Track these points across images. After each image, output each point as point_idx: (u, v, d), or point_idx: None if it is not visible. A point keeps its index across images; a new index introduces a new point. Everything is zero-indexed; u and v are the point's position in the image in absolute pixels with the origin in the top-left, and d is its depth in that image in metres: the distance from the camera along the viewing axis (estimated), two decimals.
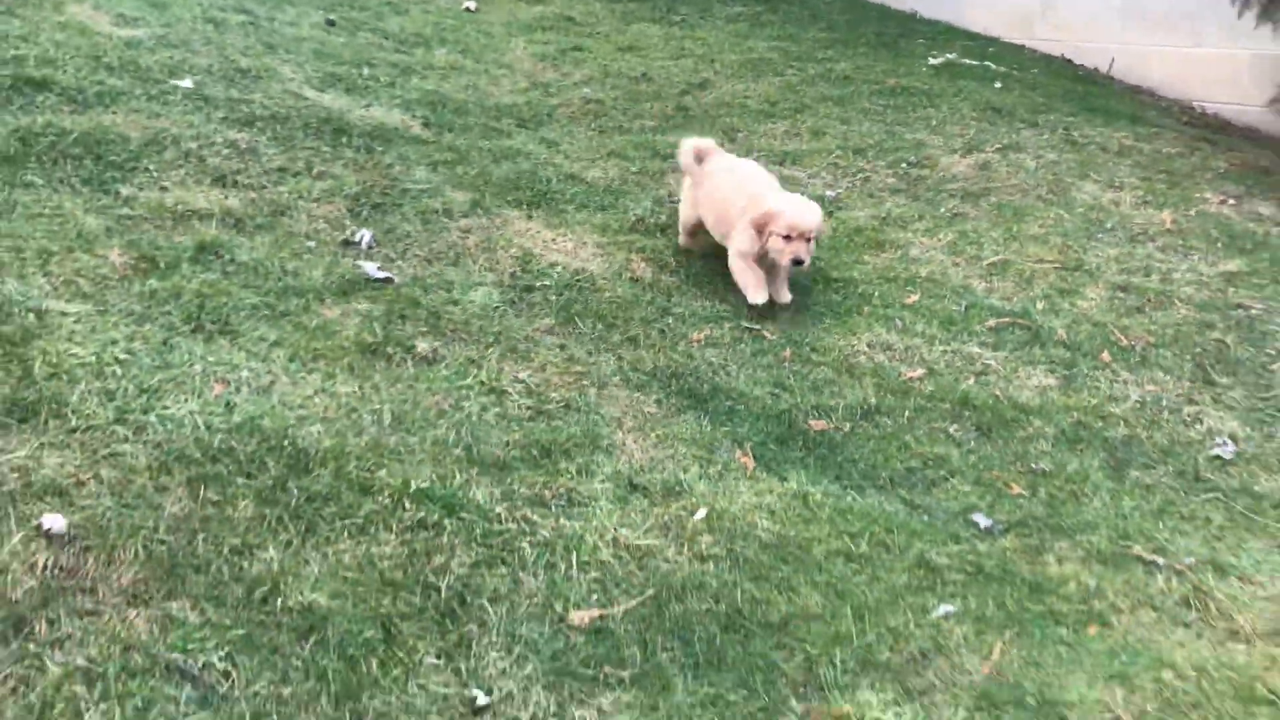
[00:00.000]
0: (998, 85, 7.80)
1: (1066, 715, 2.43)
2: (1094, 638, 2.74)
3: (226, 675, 2.18)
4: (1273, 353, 4.35)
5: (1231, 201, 5.86)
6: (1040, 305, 4.65)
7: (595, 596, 2.63)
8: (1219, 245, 5.26)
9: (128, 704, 2.07)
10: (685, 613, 2.63)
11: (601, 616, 2.57)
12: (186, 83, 5.40)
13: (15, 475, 2.53)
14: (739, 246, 4.53)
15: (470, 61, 7.26)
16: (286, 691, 2.18)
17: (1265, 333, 4.47)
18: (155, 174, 4.50)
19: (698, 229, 4.82)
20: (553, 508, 2.92)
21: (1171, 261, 5.07)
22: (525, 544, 2.75)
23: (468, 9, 8.70)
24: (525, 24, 8.50)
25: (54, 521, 2.40)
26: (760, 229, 4.42)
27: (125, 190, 4.31)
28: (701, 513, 3.00)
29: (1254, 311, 4.63)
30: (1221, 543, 3.23)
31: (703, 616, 2.62)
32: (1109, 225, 5.42)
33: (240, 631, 2.29)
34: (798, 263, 4.39)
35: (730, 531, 2.96)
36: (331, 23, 7.25)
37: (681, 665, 2.47)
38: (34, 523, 2.40)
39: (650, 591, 2.67)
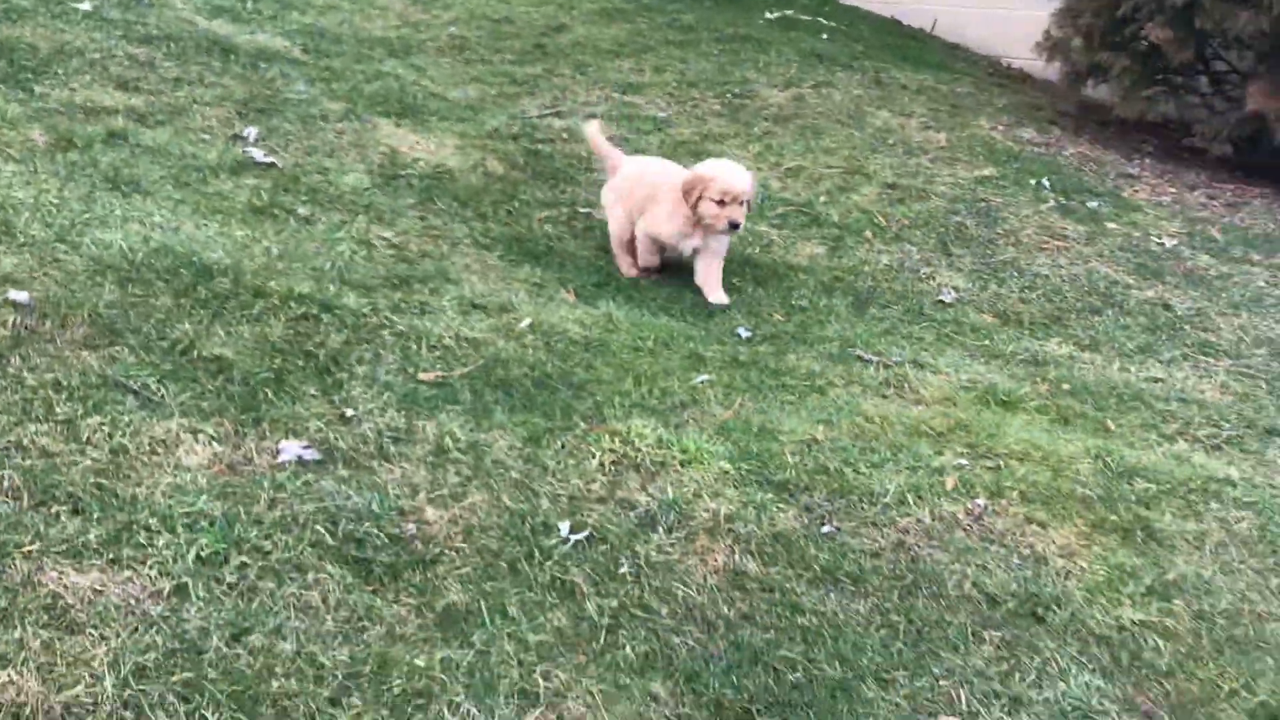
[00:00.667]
0: (825, 36, 8.81)
1: (779, 437, 3.39)
2: (812, 401, 3.72)
3: (158, 392, 2.99)
4: (1001, 232, 5.42)
5: (1001, 128, 6.97)
6: (822, 199, 5.65)
7: (439, 365, 3.50)
8: (979, 157, 6.35)
9: (87, 403, 2.87)
10: (508, 375, 3.51)
11: (444, 377, 3.44)
12: (85, 5, 6.04)
13: None
14: (650, 226, 4.54)
15: (346, 2, 7.97)
16: (205, 404, 3.00)
17: (999, 219, 5.55)
18: (64, 78, 5.17)
19: (633, 239, 4.68)
20: (408, 313, 3.77)
21: (936, 169, 6.13)
22: (386, 333, 3.60)
23: None
24: None
25: (19, 295, 3.16)
26: (690, 193, 4.37)
27: (39, 89, 4.97)
28: (527, 321, 3.89)
29: (994, 204, 5.71)
30: (925, 352, 4.25)
31: (521, 378, 3.51)
32: (891, 142, 6.46)
33: (168, 368, 3.10)
34: (734, 226, 4.37)
35: (548, 333, 3.85)
36: None
37: (502, 404, 3.35)
38: (3, 295, 3.16)
39: (481, 362, 3.55)
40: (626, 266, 4.70)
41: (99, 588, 2.30)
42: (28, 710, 2.00)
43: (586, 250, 4.83)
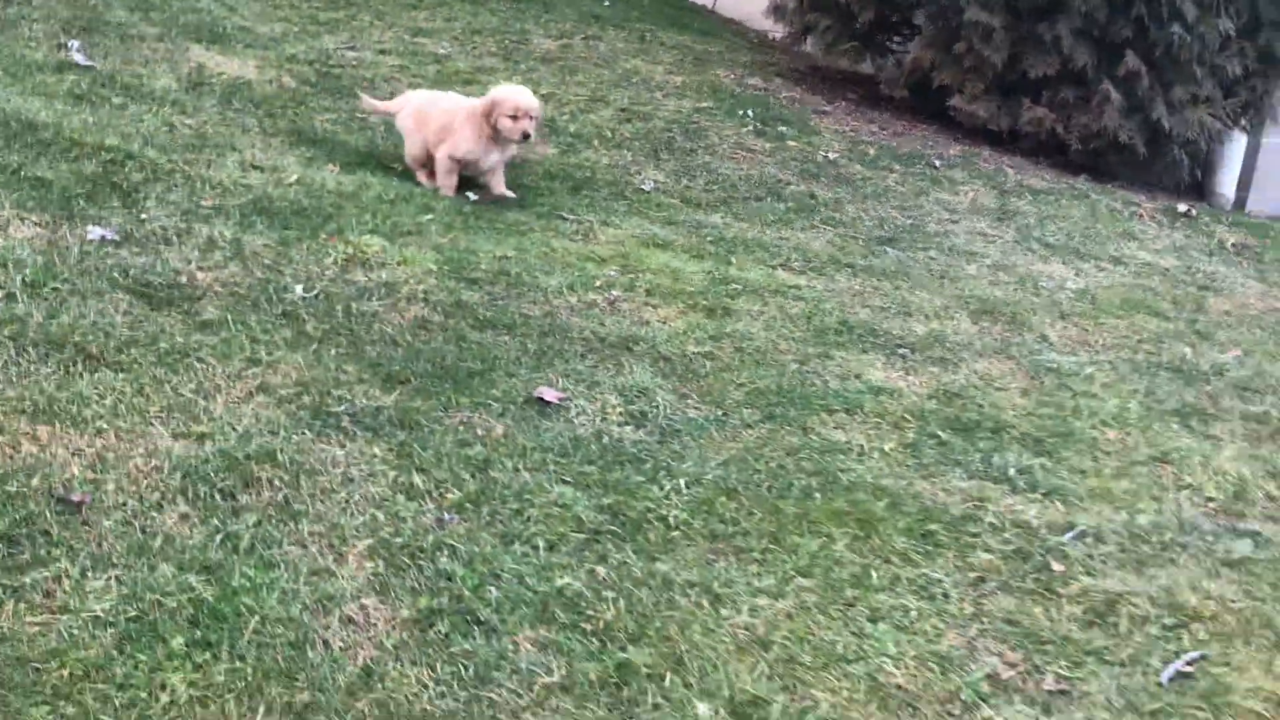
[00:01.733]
0: (606, 3, 10.10)
1: (479, 254, 4.61)
2: (512, 240, 4.96)
3: None
4: (702, 145, 6.78)
5: (733, 76, 8.37)
6: (565, 117, 6.91)
7: (218, 199, 4.60)
8: (704, 96, 7.71)
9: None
10: (271, 207, 4.64)
11: (218, 204, 4.55)
12: None
13: None
14: (454, 149, 5.29)
15: None
16: (29, 204, 4.06)
17: (703, 136, 6.91)
18: None
19: (429, 158, 5.45)
20: (198, 165, 4.86)
21: (665, 101, 7.46)
22: (177, 175, 4.68)
23: None
24: None
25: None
26: (488, 114, 5.18)
27: None
28: (294, 177, 5.02)
29: (703, 126, 7.08)
30: (614, 215, 5.54)
31: (282, 209, 4.64)
32: (635, 81, 7.78)
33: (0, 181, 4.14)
34: (525, 136, 5.21)
35: (309, 184, 4.99)
36: None
37: (262, 223, 4.48)
38: None
39: (251, 198, 4.66)
40: (424, 178, 5.50)
41: None
42: None
43: (357, 142, 5.97)
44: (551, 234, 5.14)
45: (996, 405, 4.03)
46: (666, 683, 2.47)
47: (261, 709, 2.18)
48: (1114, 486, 3.57)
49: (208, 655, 2.27)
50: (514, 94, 5.31)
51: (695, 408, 3.75)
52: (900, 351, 4.40)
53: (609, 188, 6.00)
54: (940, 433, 3.78)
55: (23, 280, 3.52)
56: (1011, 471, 3.57)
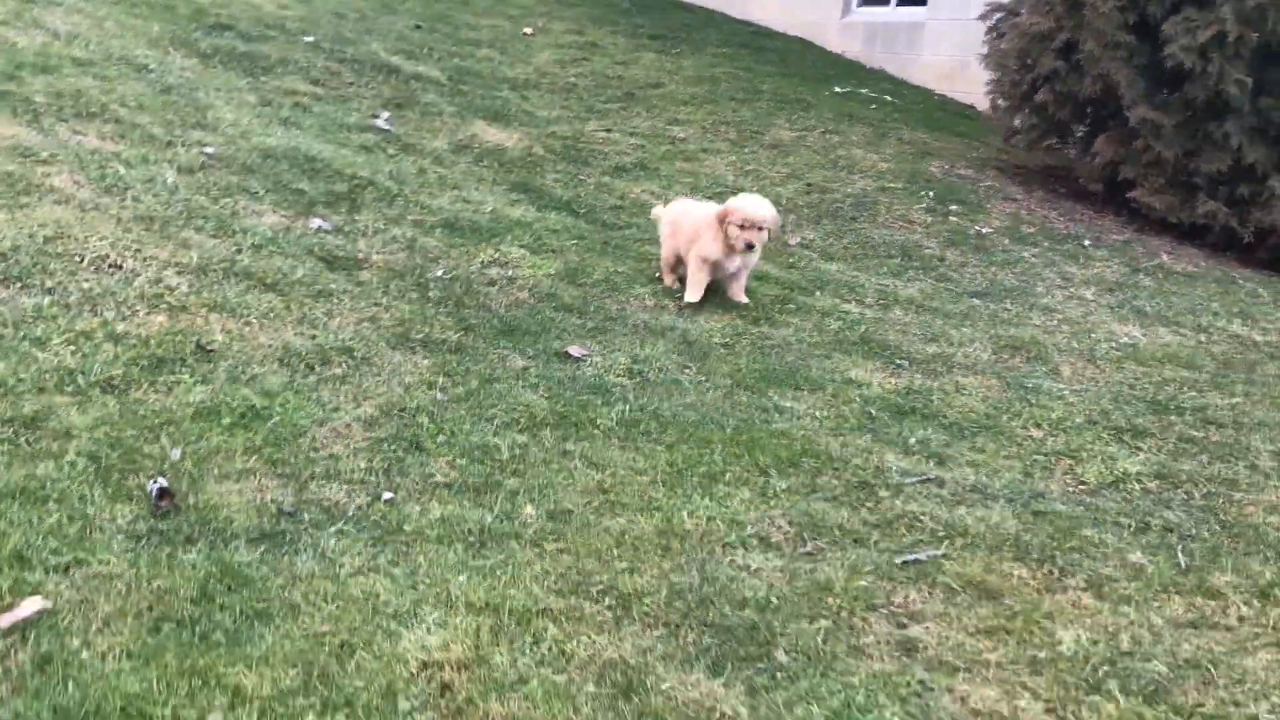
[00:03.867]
0: (873, 106, 11.27)
1: (597, 267, 5.98)
2: (633, 261, 6.27)
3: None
4: (866, 215, 7.76)
5: (946, 166, 9.25)
6: (754, 185, 8.15)
7: (441, 225, 6.30)
8: (900, 178, 8.67)
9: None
10: (456, 227, 6.28)
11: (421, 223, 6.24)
12: (309, 38, 9.37)
13: None
14: (700, 251, 5.56)
15: (496, 52, 11.13)
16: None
17: (873, 208, 7.89)
18: (281, 74, 8.41)
19: (678, 263, 5.85)
20: (424, 190, 6.60)
21: (855, 179, 8.51)
22: (420, 205, 6.45)
23: None
24: None
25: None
26: (722, 220, 5.43)
27: (273, 81, 8.21)
28: (489, 208, 6.65)
29: (878, 200, 8.06)
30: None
31: (465, 232, 6.27)
32: (840, 164, 8.89)
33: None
34: (749, 246, 5.42)
35: (497, 214, 6.60)
36: None
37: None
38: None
39: (444, 218, 6.33)
40: (670, 280, 5.91)
41: None
42: None
43: (564, 194, 7.56)
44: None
45: (949, 404, 4.81)
46: (519, 497, 3.66)
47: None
48: (997, 463, 4.28)
49: (247, 436, 3.74)
50: (746, 204, 5.48)
51: (686, 375, 4.87)
52: (898, 362, 5.25)
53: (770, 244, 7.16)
54: (877, 413, 4.64)
55: (250, 244, 5.29)
56: (912, 440, 4.38)
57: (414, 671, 2.71)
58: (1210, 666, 2.97)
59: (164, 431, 3.62)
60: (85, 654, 2.60)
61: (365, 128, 7.82)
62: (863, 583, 3.33)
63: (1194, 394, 5.15)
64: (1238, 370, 5.55)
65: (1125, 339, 5.90)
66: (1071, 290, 6.71)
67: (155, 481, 3.30)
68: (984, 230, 7.68)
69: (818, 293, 6.17)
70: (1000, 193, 8.65)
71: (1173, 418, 4.83)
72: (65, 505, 3.14)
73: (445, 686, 2.67)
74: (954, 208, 8.07)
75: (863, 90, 12.16)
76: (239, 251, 5.14)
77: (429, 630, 2.86)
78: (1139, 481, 4.19)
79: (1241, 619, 3.23)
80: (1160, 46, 7.55)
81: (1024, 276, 6.90)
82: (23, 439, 3.41)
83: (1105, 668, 2.96)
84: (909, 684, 2.86)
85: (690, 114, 10.21)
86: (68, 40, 7.19)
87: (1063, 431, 4.60)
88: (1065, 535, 3.69)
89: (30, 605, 2.69)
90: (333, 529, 3.33)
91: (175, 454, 3.50)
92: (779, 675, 2.85)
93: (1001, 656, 3.00)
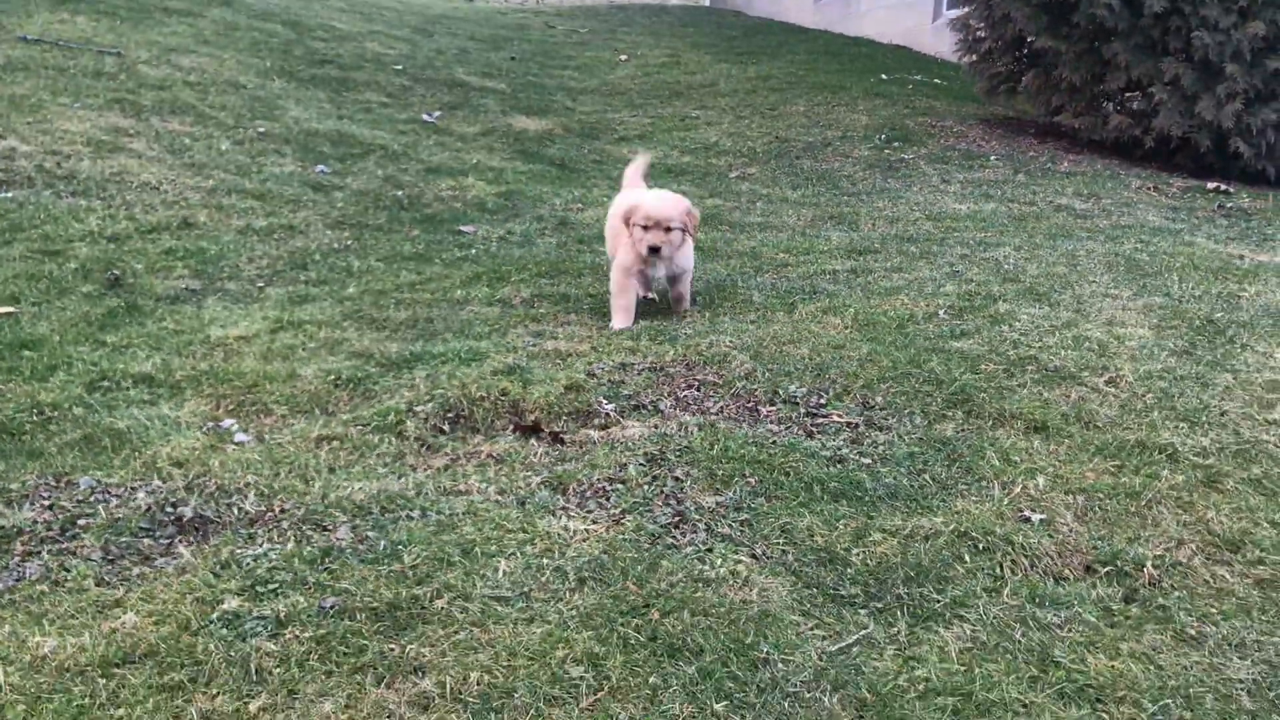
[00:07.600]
0: (908, 87, 12.51)
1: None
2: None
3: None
4: (811, 156, 9.10)
5: (929, 120, 10.42)
6: (729, 140, 9.62)
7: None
8: (872, 130, 9.93)
9: None
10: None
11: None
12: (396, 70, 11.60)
13: None
14: (620, 260, 4.71)
15: (593, 76, 13.06)
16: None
17: (821, 152, 9.22)
18: (418, 106, 10.62)
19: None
20: (444, 154, 8.53)
21: (818, 131, 9.83)
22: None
23: None
24: None
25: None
26: (627, 222, 4.61)
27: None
28: (489, 167, 8.50)
29: (835, 145, 9.37)
30: (694, 189, 8.25)
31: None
32: (819, 125, 10.24)
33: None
34: (653, 250, 4.50)
35: (497, 173, 8.44)
36: None
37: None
38: None
39: (435, 166, 8.22)
40: (644, 293, 5.11)
41: None
42: None
43: (559, 154, 9.29)
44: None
45: (742, 250, 6.19)
46: (458, 361, 5.40)
47: None
48: (772, 275, 5.66)
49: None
50: (647, 201, 4.62)
51: (543, 239, 6.47)
52: (722, 229, 6.65)
53: (714, 177, 8.65)
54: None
55: (260, 178, 7.30)
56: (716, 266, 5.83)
57: None
58: None
59: (135, 256, 5.59)
60: None
61: (412, 121, 9.85)
62: None
63: (956, 235, 6.31)
64: (1019, 222, 6.63)
65: (946, 211, 7.05)
66: (942, 188, 7.85)
67: (110, 273, 5.24)
68: (908, 157, 8.87)
69: (714, 199, 7.63)
70: (959, 134, 9.75)
71: (912, 247, 6.04)
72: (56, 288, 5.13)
73: None
74: (897, 145, 9.28)
75: (916, 76, 13.30)
76: (248, 180, 7.16)
77: None
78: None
79: None
80: None
81: (907, 181, 8.08)
82: (48, 264, 5.44)
83: None
84: None
85: (722, 102, 11.73)
86: (187, 71, 9.59)
87: (814, 259, 5.91)
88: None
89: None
90: (218, 302, 5.18)
91: (137, 266, 5.45)
92: None
93: None
